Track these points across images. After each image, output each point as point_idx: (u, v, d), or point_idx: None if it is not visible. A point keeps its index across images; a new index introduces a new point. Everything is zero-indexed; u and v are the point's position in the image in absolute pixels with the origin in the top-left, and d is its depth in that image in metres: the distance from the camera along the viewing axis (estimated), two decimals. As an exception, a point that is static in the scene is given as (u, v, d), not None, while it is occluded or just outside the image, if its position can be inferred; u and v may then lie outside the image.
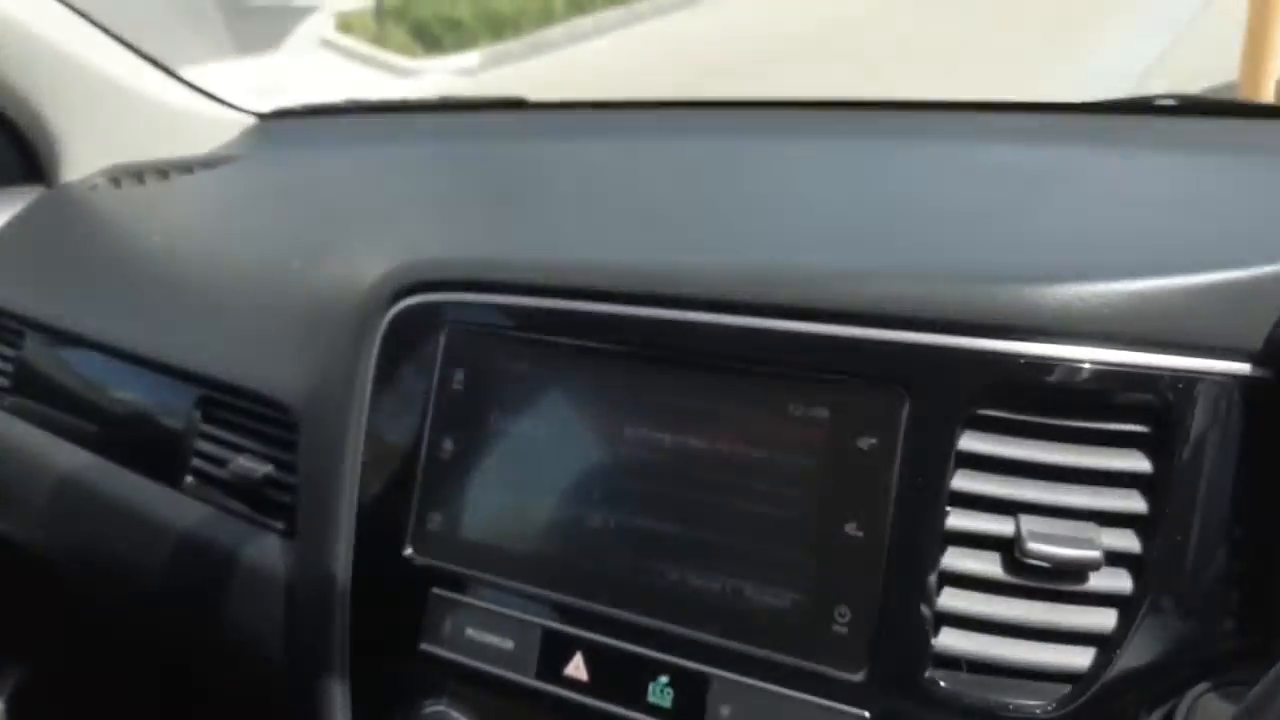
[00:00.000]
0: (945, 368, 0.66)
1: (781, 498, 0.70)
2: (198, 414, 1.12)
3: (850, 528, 0.68)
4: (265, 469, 1.04)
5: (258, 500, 1.05)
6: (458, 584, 0.81)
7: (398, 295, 0.87)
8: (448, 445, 0.83)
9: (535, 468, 0.79)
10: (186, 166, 1.64)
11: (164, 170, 1.65)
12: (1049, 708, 0.63)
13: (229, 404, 1.10)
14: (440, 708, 0.80)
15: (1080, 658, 0.64)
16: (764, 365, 0.72)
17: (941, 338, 0.67)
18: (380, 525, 0.85)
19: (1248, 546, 0.64)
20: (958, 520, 0.66)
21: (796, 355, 0.71)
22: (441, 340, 0.84)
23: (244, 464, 1.06)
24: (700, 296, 0.74)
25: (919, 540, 0.66)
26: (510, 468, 0.80)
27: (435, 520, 0.82)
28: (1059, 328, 0.65)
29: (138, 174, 1.63)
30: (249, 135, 1.78)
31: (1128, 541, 0.65)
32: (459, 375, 0.83)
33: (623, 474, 0.76)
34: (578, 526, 0.77)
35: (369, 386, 0.87)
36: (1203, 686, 0.61)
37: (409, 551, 0.83)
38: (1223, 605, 0.64)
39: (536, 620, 0.77)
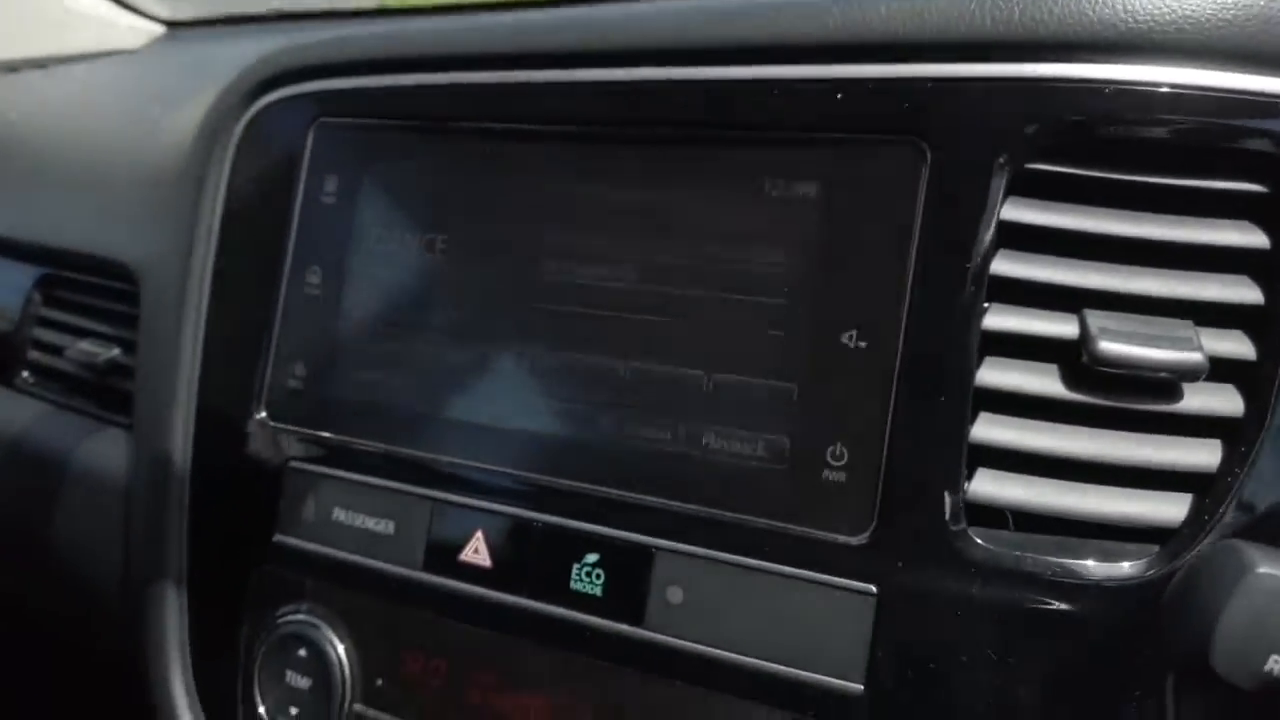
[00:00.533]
0: (978, 107, 0.47)
1: (754, 310, 0.51)
2: (37, 297, 0.92)
3: (849, 338, 0.48)
4: (109, 353, 0.84)
5: (100, 392, 0.85)
6: (322, 454, 0.61)
7: (255, 92, 0.67)
8: (313, 278, 0.63)
9: (428, 298, 0.59)
10: (69, 61, 1.45)
11: (43, 63, 1.46)
12: (1128, 575, 0.44)
13: (70, 280, 0.90)
14: (299, 617, 0.59)
15: (1173, 507, 0.45)
16: (726, 131, 0.53)
17: (971, 66, 0.48)
18: (227, 388, 0.65)
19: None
20: (999, 319, 0.47)
21: (769, 112, 0.51)
22: (309, 142, 0.64)
23: (85, 348, 0.86)
24: (636, 46, 0.55)
25: (945, 348, 0.47)
26: (395, 301, 0.60)
27: (295, 374, 0.62)
28: (1138, 41, 0.46)
29: (11, 66, 1.44)
30: (153, 41, 1.58)
31: (1237, 345, 0.46)
32: (329, 185, 0.63)
33: (543, 297, 0.56)
34: (481, 372, 0.57)
35: (218, 215, 0.67)
36: None
37: (261, 415, 0.63)
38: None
39: (424, 493, 0.57)
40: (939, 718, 0.45)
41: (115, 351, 0.84)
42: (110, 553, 0.78)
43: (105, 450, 0.81)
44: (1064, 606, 0.44)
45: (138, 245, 0.79)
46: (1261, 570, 0.28)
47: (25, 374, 0.91)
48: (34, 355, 0.91)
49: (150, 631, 0.65)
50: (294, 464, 0.61)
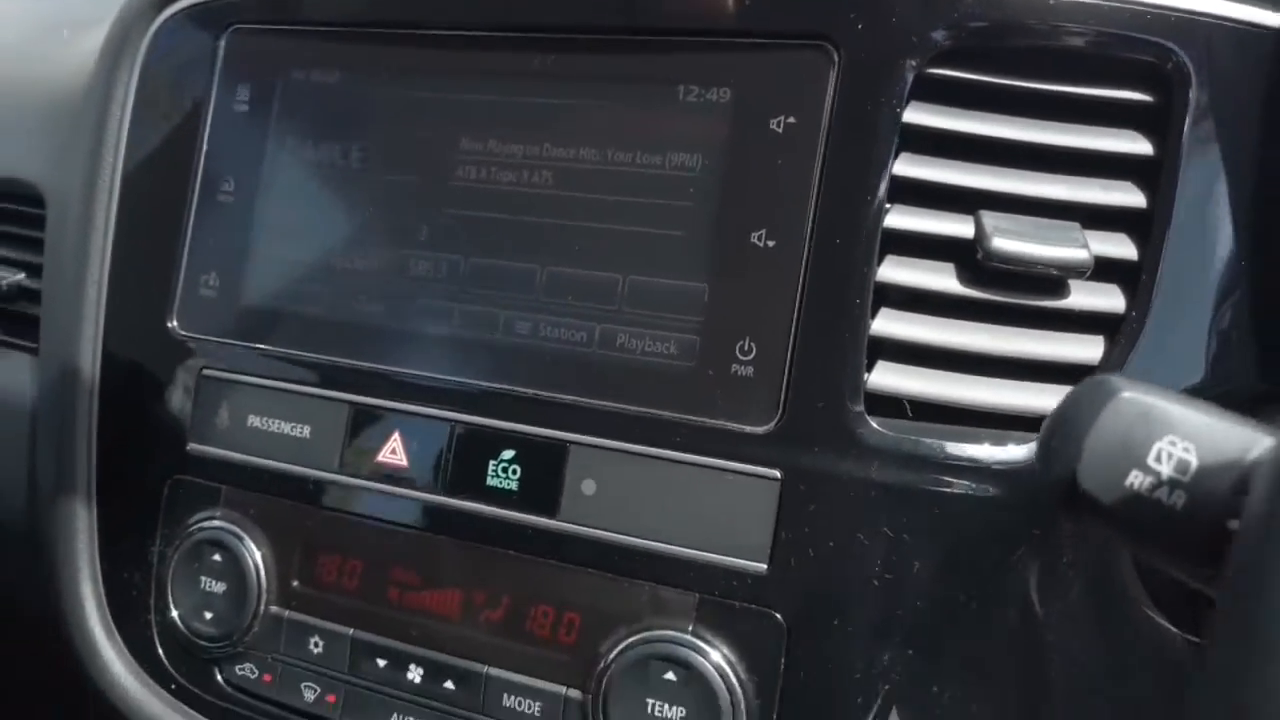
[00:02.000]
0: (885, 13, 0.49)
1: (667, 211, 0.52)
2: (-63, 221, 0.89)
3: (758, 237, 0.50)
4: (13, 277, 0.82)
5: (4, 317, 0.82)
6: (237, 361, 0.61)
7: (162, 2, 0.66)
8: (226, 186, 0.62)
9: (341, 204, 0.59)
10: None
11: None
12: (1016, 458, 0.47)
13: (-28, 203, 0.87)
14: (214, 523, 0.59)
15: (1058, 399, 0.48)
16: (642, 37, 0.54)
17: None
18: (137, 301, 0.64)
19: (1273, 256, 0.49)
20: (900, 219, 0.49)
21: (685, 18, 0.52)
22: (220, 49, 0.63)
23: (-13, 272, 0.83)
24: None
25: (848, 246, 0.49)
26: (308, 207, 0.60)
27: (208, 284, 0.62)
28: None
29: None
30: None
31: (1120, 247, 0.49)
32: (242, 94, 0.62)
33: (458, 203, 0.56)
34: (396, 276, 0.57)
35: (125, 128, 0.66)
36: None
37: (172, 324, 0.62)
38: (1238, 333, 0.49)
39: (341, 397, 0.57)
40: (838, 593, 0.48)
41: (19, 276, 0.82)
42: (14, 480, 0.77)
43: (8, 376, 0.79)
44: (956, 488, 0.47)
45: (43, 163, 0.77)
46: (1125, 395, 0.30)
47: (-78, 300, 0.88)
48: (-68, 279, 0.88)
49: (58, 548, 0.65)
50: (207, 372, 0.61)
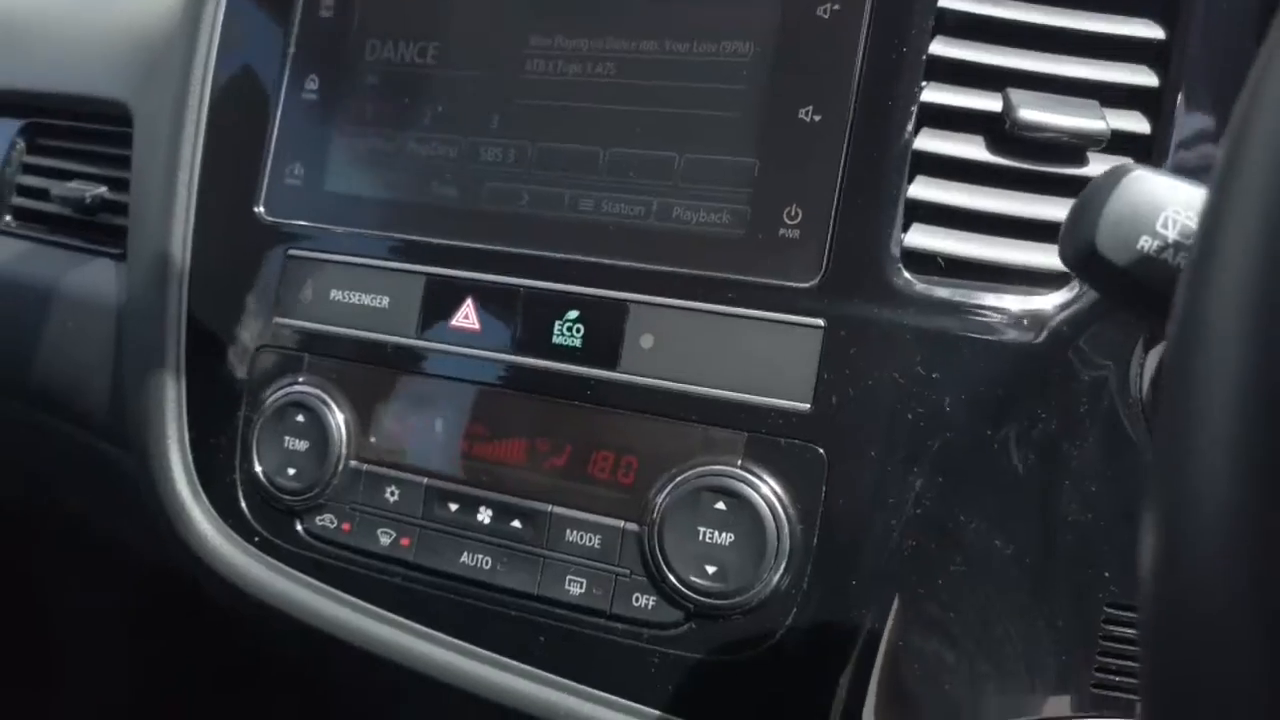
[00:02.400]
0: (924, -93, 0.54)
1: (721, 94, 0.57)
2: (21, 144, 0.95)
3: (805, 113, 0.55)
4: (96, 190, 0.88)
5: (87, 229, 0.88)
6: (320, 242, 0.66)
7: (254, -84, 0.72)
8: (310, 84, 0.68)
9: (417, 97, 0.65)
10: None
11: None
12: (1036, 312, 0.52)
13: (56, 128, 0.94)
14: (297, 388, 0.65)
15: (1075, 258, 0.53)
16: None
17: None
18: (225, 194, 0.70)
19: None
20: (935, 94, 0.54)
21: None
22: (307, -40, 0.69)
23: (73, 187, 0.89)
24: None
25: (887, 120, 0.54)
26: (389, 100, 0.66)
27: (293, 173, 0.67)
28: None
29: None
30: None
31: (1134, 123, 0.54)
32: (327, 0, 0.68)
33: (526, 92, 0.62)
34: (469, 162, 0.63)
35: (215, 39, 0.72)
36: None
37: (259, 210, 0.68)
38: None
39: (417, 269, 0.63)
40: (874, 427, 0.53)
41: (102, 189, 0.88)
42: (101, 377, 0.83)
43: (94, 278, 0.85)
44: (985, 333, 0.52)
45: (131, 81, 0.83)
46: (1136, 173, 0.35)
47: (7, 218, 0.94)
48: (17, 201, 0.94)
49: (148, 422, 0.70)
50: (293, 253, 0.66)
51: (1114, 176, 0.35)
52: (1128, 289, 0.35)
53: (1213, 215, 0.24)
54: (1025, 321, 0.52)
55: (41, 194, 0.93)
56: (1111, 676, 0.55)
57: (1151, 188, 0.35)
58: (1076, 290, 0.52)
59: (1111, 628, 0.55)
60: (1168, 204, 0.35)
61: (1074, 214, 0.36)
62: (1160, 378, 0.31)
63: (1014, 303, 0.52)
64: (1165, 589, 0.24)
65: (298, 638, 0.67)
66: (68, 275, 0.87)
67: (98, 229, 0.88)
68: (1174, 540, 0.24)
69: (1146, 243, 0.34)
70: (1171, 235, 0.34)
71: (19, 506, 1.17)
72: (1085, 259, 0.35)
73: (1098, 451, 0.54)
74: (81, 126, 0.91)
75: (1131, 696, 0.56)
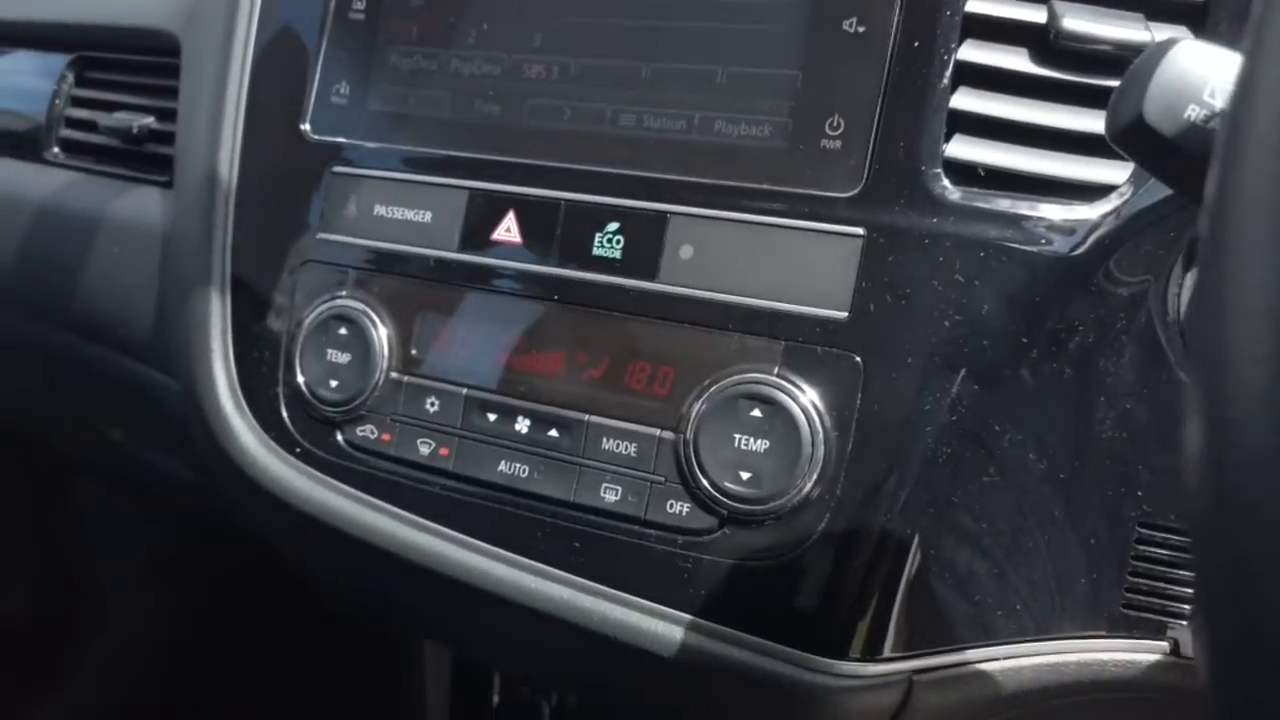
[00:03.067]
0: None
1: (765, 7, 0.58)
2: (70, 77, 0.97)
3: (849, 24, 0.55)
4: (144, 120, 0.89)
5: (133, 159, 0.90)
6: (365, 159, 0.67)
7: None
8: (357, 5, 0.69)
9: (463, 16, 0.65)
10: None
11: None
12: (1076, 223, 0.52)
13: (105, 60, 0.95)
14: (340, 301, 0.66)
15: (1118, 171, 0.53)
16: None
17: None
18: (272, 111, 0.71)
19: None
20: (980, 5, 0.54)
21: None
22: (354, -119, 0.70)
23: (121, 117, 0.90)
24: None
25: (932, 31, 0.54)
26: (434, 19, 0.66)
27: (338, 93, 0.68)
28: None
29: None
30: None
31: (1180, 34, 0.53)
32: (375, -79, 0.69)
33: (569, 9, 0.62)
34: (513, 78, 0.63)
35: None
36: None
37: (305, 127, 0.69)
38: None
39: (459, 183, 0.64)
40: (911, 334, 0.53)
41: (150, 119, 0.89)
42: (145, 302, 0.84)
43: (140, 206, 0.87)
44: (1025, 242, 0.52)
45: (178, 10, 0.85)
46: (1186, 42, 0.35)
47: (55, 150, 0.96)
48: (65, 133, 0.96)
49: (192, 338, 0.71)
50: (337, 169, 0.67)
51: (1163, 47, 0.35)
52: (1174, 161, 0.35)
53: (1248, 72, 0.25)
54: (1065, 233, 0.52)
55: (89, 126, 0.94)
56: (1142, 597, 0.56)
57: (1200, 57, 0.35)
58: (1117, 203, 0.52)
59: (1144, 548, 0.55)
60: (1216, 73, 0.35)
61: (1122, 86, 0.36)
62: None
63: (1054, 213, 0.52)
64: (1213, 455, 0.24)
65: (332, 556, 0.69)
66: (114, 203, 0.89)
67: (144, 159, 0.90)
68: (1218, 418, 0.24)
69: (1194, 112, 0.34)
70: (1219, 104, 0.34)
71: (60, 441, 1.19)
72: (1132, 129, 0.35)
73: (1134, 369, 0.54)
74: (129, 59, 0.93)
75: (1162, 618, 0.56)
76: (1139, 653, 0.56)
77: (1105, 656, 0.56)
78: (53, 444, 1.23)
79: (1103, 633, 0.56)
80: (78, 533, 1.50)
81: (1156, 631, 0.56)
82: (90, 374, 0.95)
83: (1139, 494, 0.55)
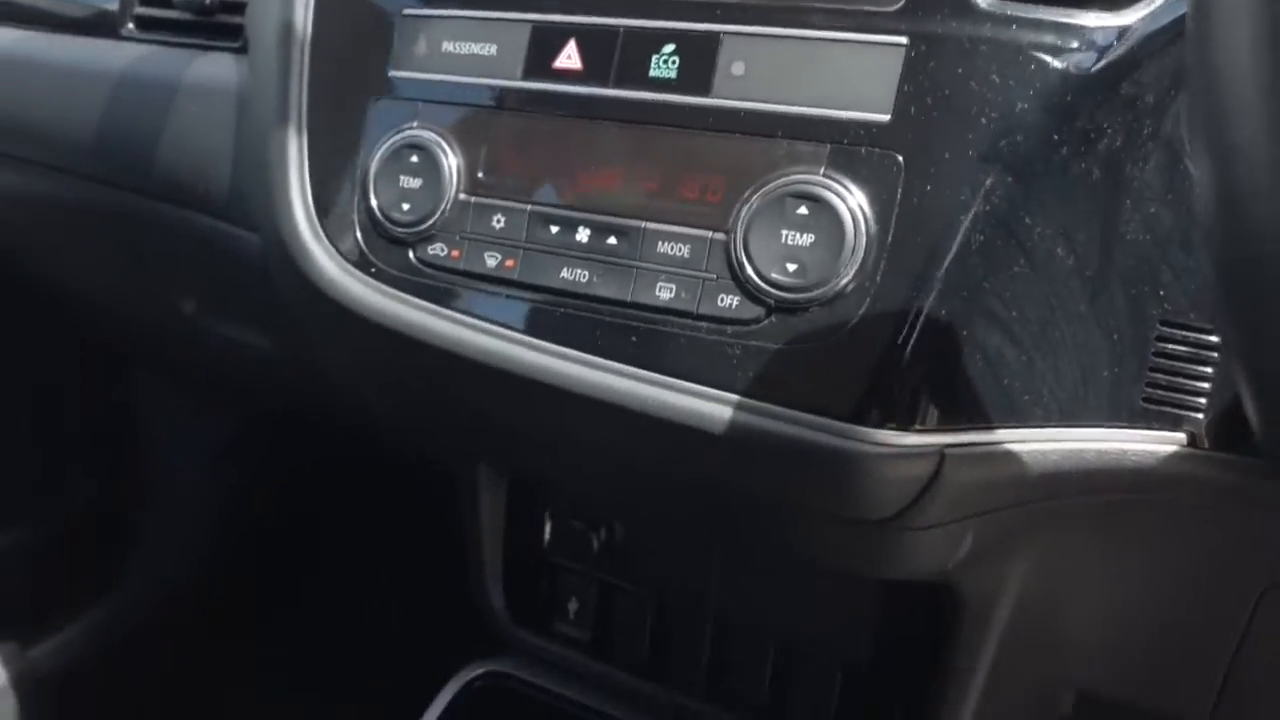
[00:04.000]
0: None
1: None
2: (142, -44, 1.02)
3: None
4: (217, -8, 0.94)
5: (206, 29, 0.95)
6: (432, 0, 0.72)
7: None
8: None
9: None
10: None
11: None
12: (1109, 28, 0.56)
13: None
14: (411, 131, 0.71)
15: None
16: None
17: None
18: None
19: None
20: None
21: None
22: None
23: (194, -9, 0.95)
24: None
25: None
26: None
27: (410, -58, 0.73)
28: None
29: None
30: None
31: None
32: None
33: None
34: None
35: None
36: None
37: (377, -22, 0.73)
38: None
39: (523, 17, 0.68)
40: (949, 131, 0.57)
41: (222, -8, 0.94)
42: (222, 157, 0.89)
43: (214, 69, 0.92)
44: (1061, 46, 0.56)
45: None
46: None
47: (130, 26, 1.01)
48: (140, 10, 1.01)
49: (272, 174, 0.77)
50: (407, 12, 0.72)
51: None
52: None
53: None
54: (1098, 38, 0.56)
55: (163, 2, 0.99)
56: (1161, 391, 0.60)
57: None
58: (1150, 9, 0.56)
59: (1164, 345, 0.59)
60: None
61: None
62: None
63: (1088, 19, 0.56)
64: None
65: (401, 378, 0.73)
66: (189, 69, 0.94)
67: (216, 28, 0.95)
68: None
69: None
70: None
71: (135, 316, 1.25)
72: None
73: (1158, 175, 0.58)
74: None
75: (1180, 411, 0.60)
76: (1157, 444, 0.60)
77: (1125, 446, 0.60)
78: (124, 322, 1.30)
79: (1124, 424, 0.60)
80: (136, 426, 1.57)
81: (1174, 424, 0.60)
82: (169, 239, 1.00)
83: (1161, 294, 0.59)
